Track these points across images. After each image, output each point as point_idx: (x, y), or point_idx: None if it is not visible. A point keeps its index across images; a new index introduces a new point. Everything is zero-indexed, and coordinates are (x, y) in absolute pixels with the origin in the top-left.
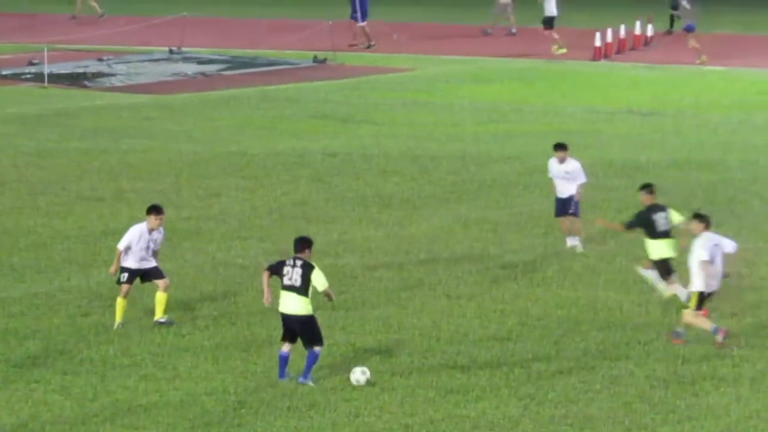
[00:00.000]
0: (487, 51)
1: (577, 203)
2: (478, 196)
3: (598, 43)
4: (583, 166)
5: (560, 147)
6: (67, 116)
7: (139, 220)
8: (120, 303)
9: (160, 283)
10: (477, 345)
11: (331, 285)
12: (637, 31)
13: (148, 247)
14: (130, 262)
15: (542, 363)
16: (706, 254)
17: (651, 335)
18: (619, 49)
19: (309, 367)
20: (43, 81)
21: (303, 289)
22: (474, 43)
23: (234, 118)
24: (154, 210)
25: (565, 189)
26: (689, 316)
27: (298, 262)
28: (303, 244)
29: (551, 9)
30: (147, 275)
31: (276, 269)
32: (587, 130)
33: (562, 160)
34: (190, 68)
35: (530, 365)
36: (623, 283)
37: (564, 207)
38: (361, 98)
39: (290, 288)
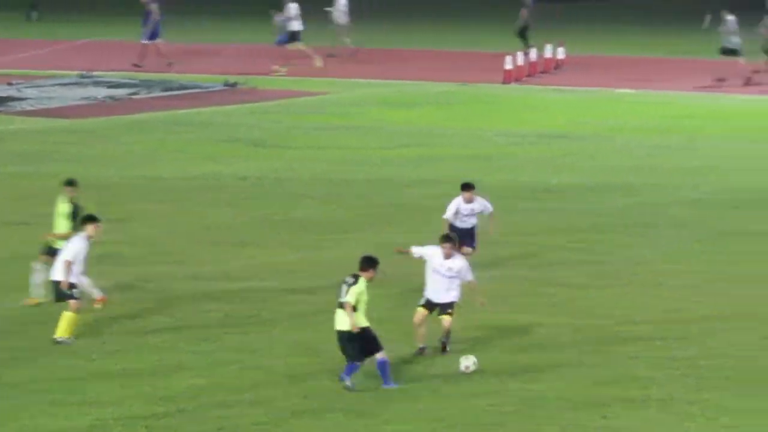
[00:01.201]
0: (402, 74)
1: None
2: (391, 221)
3: (509, 66)
4: (493, 189)
5: (468, 187)
6: None
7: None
8: (73, 318)
9: (73, 304)
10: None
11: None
12: (548, 54)
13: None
14: (75, 277)
15: (452, 385)
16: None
17: (562, 358)
18: (530, 72)
19: (384, 374)
20: None
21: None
22: (387, 66)
23: (146, 142)
24: (92, 219)
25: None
26: None
27: (350, 280)
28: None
29: (295, 24)
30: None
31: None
32: (499, 154)
33: (469, 200)
34: (101, 92)
35: (440, 388)
36: (533, 306)
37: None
38: (273, 122)
39: (340, 305)
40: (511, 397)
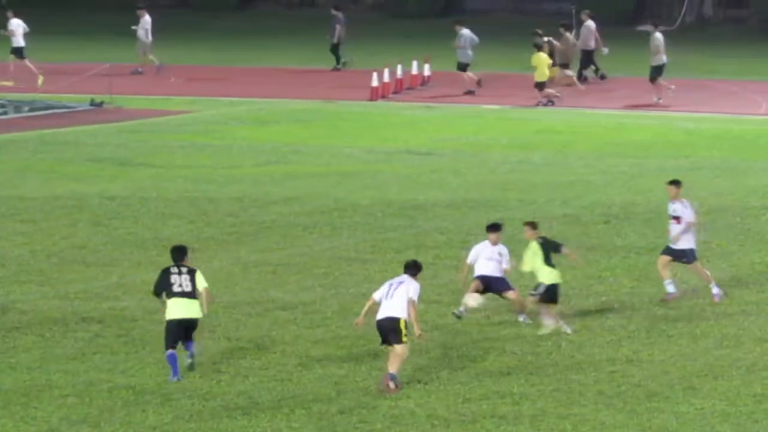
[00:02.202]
0: (264, 92)
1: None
2: (258, 238)
3: (375, 83)
4: (360, 206)
5: (494, 227)
6: None
7: None
8: None
9: None
10: (257, 386)
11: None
12: (414, 71)
13: None
14: None
15: (323, 404)
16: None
17: (431, 375)
18: (397, 89)
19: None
20: None
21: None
22: (249, 83)
23: (12, 162)
24: None
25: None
26: None
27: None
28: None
29: (18, 40)
30: None
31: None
32: (366, 171)
33: (495, 242)
34: None
35: (311, 406)
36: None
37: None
38: (139, 141)
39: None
40: (380, 415)
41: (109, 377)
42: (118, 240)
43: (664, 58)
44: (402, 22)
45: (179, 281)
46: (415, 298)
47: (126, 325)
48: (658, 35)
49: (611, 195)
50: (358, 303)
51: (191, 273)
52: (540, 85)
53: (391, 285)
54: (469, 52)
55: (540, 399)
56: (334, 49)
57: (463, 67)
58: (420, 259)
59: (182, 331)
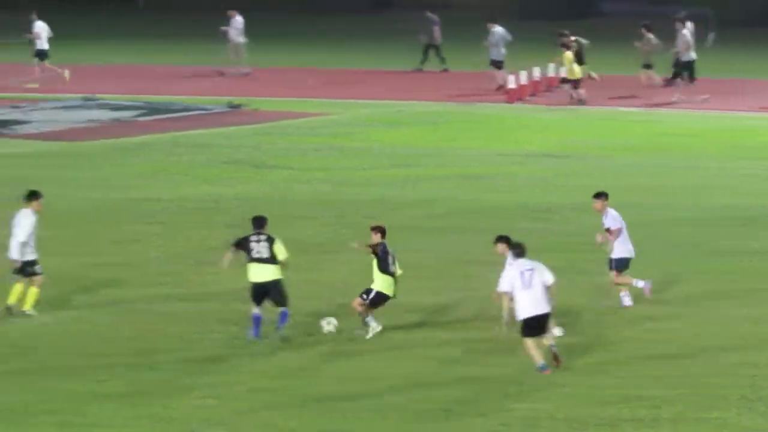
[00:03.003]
0: (400, 95)
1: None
2: (389, 241)
3: (512, 85)
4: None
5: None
6: None
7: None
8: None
9: (37, 279)
10: (394, 389)
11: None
12: (551, 73)
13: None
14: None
15: (462, 405)
16: (506, 284)
17: (569, 378)
18: (534, 91)
19: None
20: None
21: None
22: (385, 86)
23: (148, 164)
24: (36, 195)
25: None
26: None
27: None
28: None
29: (42, 43)
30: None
31: None
32: (498, 173)
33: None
34: (105, 115)
35: (451, 408)
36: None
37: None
38: (274, 143)
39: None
40: (519, 417)
41: (247, 379)
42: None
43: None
44: (537, 24)
45: (257, 248)
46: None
47: (263, 328)
48: (686, 31)
49: (745, 198)
50: (493, 305)
51: (269, 241)
52: (575, 83)
53: (522, 273)
54: (502, 50)
55: (679, 403)
56: (437, 51)
57: (497, 64)
58: (552, 263)
59: (262, 293)
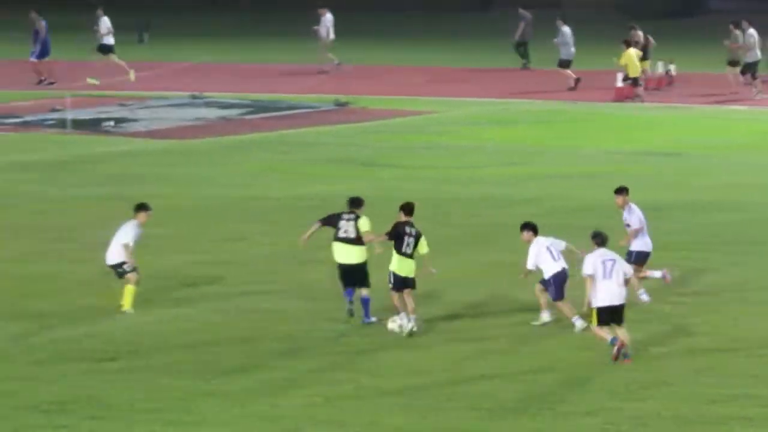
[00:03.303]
0: (506, 93)
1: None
2: (499, 239)
3: (619, 84)
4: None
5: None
6: (89, 162)
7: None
8: (132, 290)
9: (130, 276)
10: (503, 387)
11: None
12: (660, 71)
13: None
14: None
15: (568, 404)
16: (590, 268)
17: (676, 376)
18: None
19: None
20: (65, 127)
21: None
22: (491, 84)
23: (256, 162)
24: (144, 207)
25: None
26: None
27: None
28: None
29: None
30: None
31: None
32: (609, 172)
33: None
34: (212, 113)
35: (556, 407)
36: (645, 324)
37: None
38: (382, 141)
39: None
40: (626, 416)
41: (355, 377)
42: None
43: (758, 54)
44: (645, 23)
45: (345, 227)
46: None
47: (366, 328)
48: (752, 32)
49: None
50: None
51: (357, 220)
52: (633, 81)
53: (605, 262)
54: (572, 49)
55: None
56: (519, 48)
57: (565, 63)
58: (665, 262)
59: (349, 275)
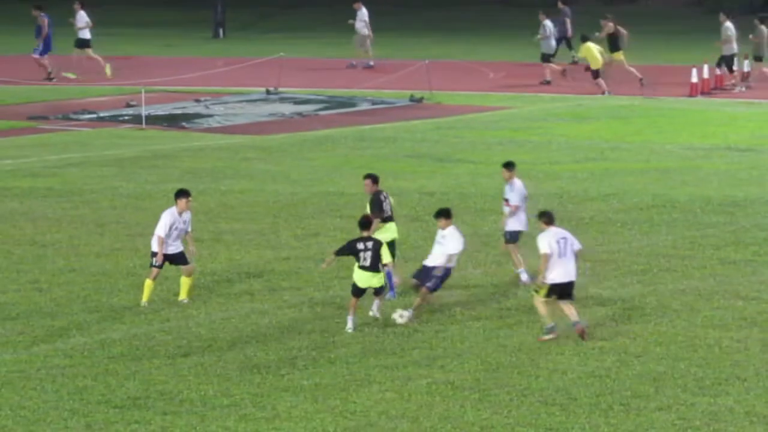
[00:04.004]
0: (581, 89)
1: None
2: (576, 234)
3: (694, 79)
4: (679, 203)
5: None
6: (165, 158)
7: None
8: (149, 285)
9: (185, 268)
10: (576, 383)
11: (428, 325)
12: (734, 66)
13: (177, 232)
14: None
15: (641, 400)
16: (546, 247)
17: (750, 372)
18: (717, 85)
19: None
20: (140, 123)
21: None
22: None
23: (331, 158)
24: (183, 194)
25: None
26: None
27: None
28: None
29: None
30: (174, 260)
31: None
32: (684, 167)
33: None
34: (287, 109)
35: (629, 402)
36: (722, 319)
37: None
38: (457, 137)
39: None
40: (699, 412)
41: (427, 372)
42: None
43: (734, 48)
44: (719, 18)
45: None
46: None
47: (444, 320)
48: (729, 25)
49: None
50: (677, 299)
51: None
52: (595, 73)
53: (558, 241)
54: (553, 43)
55: None
56: (567, 44)
57: (547, 57)
58: (739, 257)
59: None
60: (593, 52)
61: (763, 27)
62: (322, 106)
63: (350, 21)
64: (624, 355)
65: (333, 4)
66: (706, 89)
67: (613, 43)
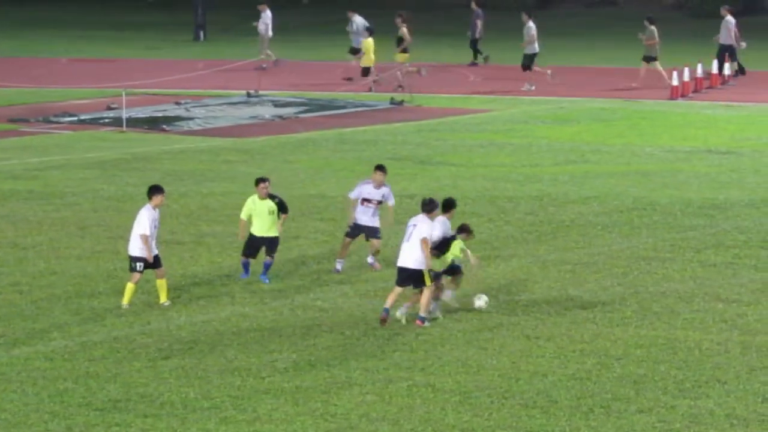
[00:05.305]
0: (563, 91)
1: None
2: (557, 237)
3: (675, 82)
4: (660, 205)
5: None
6: (146, 160)
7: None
8: (131, 288)
9: (159, 271)
10: (556, 385)
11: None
12: (714, 70)
13: (155, 230)
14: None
15: (622, 402)
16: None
17: (730, 374)
18: (696, 88)
19: None
20: (121, 125)
21: None
22: (548, 83)
23: (312, 160)
24: (159, 190)
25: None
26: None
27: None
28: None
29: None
30: (153, 264)
31: None
32: (665, 170)
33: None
34: (268, 111)
35: (610, 405)
36: (702, 322)
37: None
38: (438, 140)
39: None
40: (679, 414)
41: (408, 375)
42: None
43: (536, 47)
44: (701, 22)
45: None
46: (427, 236)
47: (420, 328)
48: (531, 25)
49: None
50: (657, 302)
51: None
52: (364, 71)
53: (408, 227)
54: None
55: None
56: (473, 45)
57: (354, 51)
58: (719, 259)
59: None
60: (370, 51)
61: (653, 28)
62: (302, 108)
63: (254, 23)
64: (604, 358)
65: (316, 6)
66: (686, 92)
67: (400, 44)
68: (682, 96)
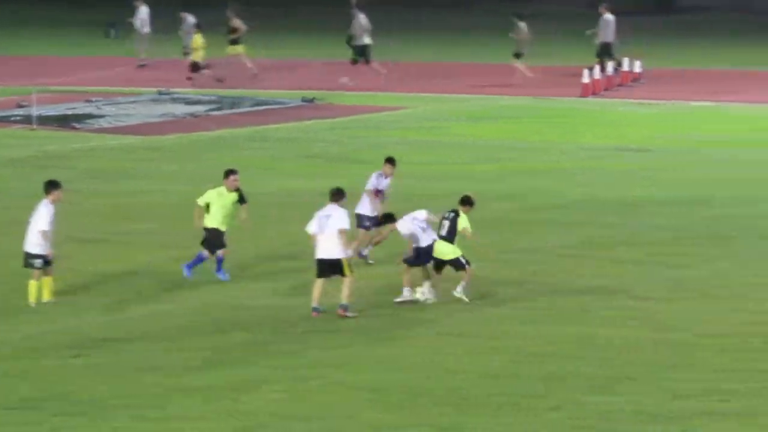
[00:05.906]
0: (476, 89)
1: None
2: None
3: (586, 80)
4: (573, 203)
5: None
6: (58, 158)
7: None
8: (34, 285)
9: (48, 269)
10: (468, 382)
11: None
12: (625, 68)
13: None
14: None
15: (533, 399)
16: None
17: (641, 371)
18: (608, 86)
19: None
20: (31, 123)
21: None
22: (460, 81)
23: (225, 158)
24: (54, 185)
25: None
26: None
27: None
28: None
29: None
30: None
31: None
32: (578, 168)
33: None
34: (179, 109)
35: (521, 402)
36: (614, 319)
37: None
38: (352, 138)
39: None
40: (590, 411)
41: (321, 373)
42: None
43: (366, 40)
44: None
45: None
46: (345, 226)
47: (335, 321)
48: (362, 17)
49: None
50: (569, 299)
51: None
52: (194, 65)
53: (320, 219)
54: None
55: (751, 397)
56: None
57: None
58: (632, 257)
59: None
60: (199, 45)
61: (522, 24)
62: (213, 106)
63: (129, 20)
64: (516, 355)
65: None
66: (597, 90)
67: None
68: (593, 94)
